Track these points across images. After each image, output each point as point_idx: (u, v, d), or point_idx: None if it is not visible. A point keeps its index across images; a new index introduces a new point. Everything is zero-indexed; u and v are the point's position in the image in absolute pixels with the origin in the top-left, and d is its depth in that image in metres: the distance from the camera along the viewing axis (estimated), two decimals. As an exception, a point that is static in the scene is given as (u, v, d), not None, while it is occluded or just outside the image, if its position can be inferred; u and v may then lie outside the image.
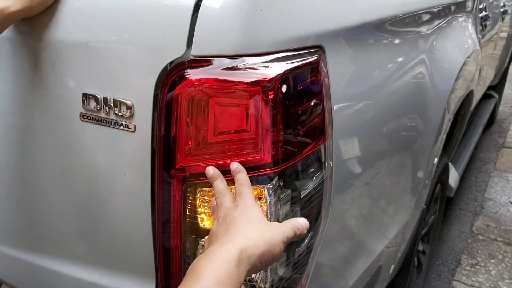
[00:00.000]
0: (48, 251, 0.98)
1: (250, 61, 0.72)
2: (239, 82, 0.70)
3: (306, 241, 0.85)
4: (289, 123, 0.75)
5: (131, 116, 0.76)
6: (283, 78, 0.72)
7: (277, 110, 0.72)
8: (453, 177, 2.70)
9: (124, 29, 0.77)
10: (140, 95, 0.75)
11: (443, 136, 1.69)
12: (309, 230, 0.86)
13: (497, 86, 4.49)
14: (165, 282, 0.83)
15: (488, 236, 3.13)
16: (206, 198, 0.76)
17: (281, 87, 0.72)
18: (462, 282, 2.69)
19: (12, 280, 1.06)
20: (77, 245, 0.92)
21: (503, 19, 3.30)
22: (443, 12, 1.60)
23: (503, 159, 4.23)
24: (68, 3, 0.84)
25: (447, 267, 2.86)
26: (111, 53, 0.77)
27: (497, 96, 4.46)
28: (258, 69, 0.72)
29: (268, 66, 0.72)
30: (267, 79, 0.70)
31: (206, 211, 0.77)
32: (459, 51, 1.64)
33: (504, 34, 3.80)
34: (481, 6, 2.34)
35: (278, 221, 0.77)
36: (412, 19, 1.23)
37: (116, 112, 0.77)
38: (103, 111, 0.78)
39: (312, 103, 0.79)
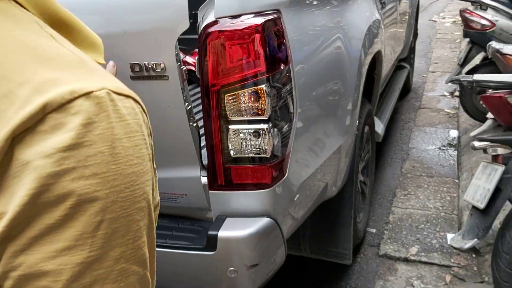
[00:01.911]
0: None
1: (243, 18, 1.33)
2: (243, 28, 1.31)
3: (288, 124, 1.46)
4: (269, 51, 1.35)
5: (164, 70, 1.34)
6: (263, 24, 1.33)
7: (263, 43, 1.33)
8: (379, 126, 3.40)
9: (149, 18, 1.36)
10: (168, 57, 1.34)
11: (360, 88, 2.30)
12: (288, 118, 1.47)
13: (407, 59, 5.31)
14: (212, 158, 1.42)
15: (415, 173, 3.87)
16: (228, 99, 1.35)
17: (263, 30, 1.32)
18: (399, 207, 3.39)
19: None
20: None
21: (399, 0, 4.06)
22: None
23: (421, 117, 5.04)
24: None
25: (386, 199, 3.56)
26: (144, 36, 1.36)
27: (408, 67, 5.27)
28: (248, 21, 1.32)
29: (253, 19, 1.33)
30: (255, 25, 1.31)
31: (230, 107, 1.36)
32: (362, 20, 2.31)
33: (404, 14, 4.59)
34: (378, -11, 3.06)
35: (275, 107, 1.38)
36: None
37: (153, 70, 1.35)
38: (145, 72, 1.36)
39: (280, 41, 1.40)
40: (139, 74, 1.37)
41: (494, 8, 4.03)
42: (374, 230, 3.17)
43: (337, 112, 1.96)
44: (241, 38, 1.31)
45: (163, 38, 1.35)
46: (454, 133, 4.57)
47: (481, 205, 1.88)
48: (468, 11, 4.10)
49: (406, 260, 2.81)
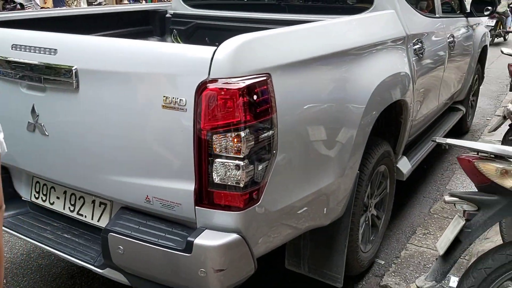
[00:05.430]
0: (143, 174, 1.98)
1: (233, 80, 1.73)
2: (230, 88, 1.71)
3: (265, 162, 1.84)
4: (252, 106, 1.74)
5: (185, 104, 1.77)
6: (247, 87, 1.72)
7: (246, 100, 1.72)
8: (406, 165, 3.63)
9: (179, 65, 1.80)
10: (188, 95, 1.76)
11: (364, 136, 2.59)
12: (266, 158, 1.85)
13: (464, 101, 5.40)
14: (199, 181, 1.83)
15: (442, 215, 4.02)
16: (215, 138, 1.76)
17: (247, 91, 1.72)
18: (414, 244, 3.59)
19: (123, 196, 2.06)
20: (161, 169, 1.93)
21: (451, 47, 4.23)
22: (363, 49, 2.60)
23: (468, 160, 5.12)
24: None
25: (405, 235, 3.77)
26: (177, 78, 1.80)
27: (463, 109, 5.35)
28: (237, 83, 1.72)
29: (241, 82, 1.73)
30: (241, 87, 1.71)
31: (216, 145, 1.76)
32: (375, 74, 2.62)
33: (460, 61, 4.72)
34: (414, 41, 3.32)
35: (253, 149, 1.76)
36: (336, 55, 2.24)
37: (177, 103, 1.78)
38: (172, 103, 1.80)
39: (264, 98, 1.79)
40: (168, 104, 1.82)
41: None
42: (382, 262, 3.41)
43: (330, 156, 2.30)
44: (228, 95, 1.71)
45: (188, 82, 1.79)
46: (494, 181, 4.61)
47: (441, 252, 2.13)
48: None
49: (402, 294, 3.04)
